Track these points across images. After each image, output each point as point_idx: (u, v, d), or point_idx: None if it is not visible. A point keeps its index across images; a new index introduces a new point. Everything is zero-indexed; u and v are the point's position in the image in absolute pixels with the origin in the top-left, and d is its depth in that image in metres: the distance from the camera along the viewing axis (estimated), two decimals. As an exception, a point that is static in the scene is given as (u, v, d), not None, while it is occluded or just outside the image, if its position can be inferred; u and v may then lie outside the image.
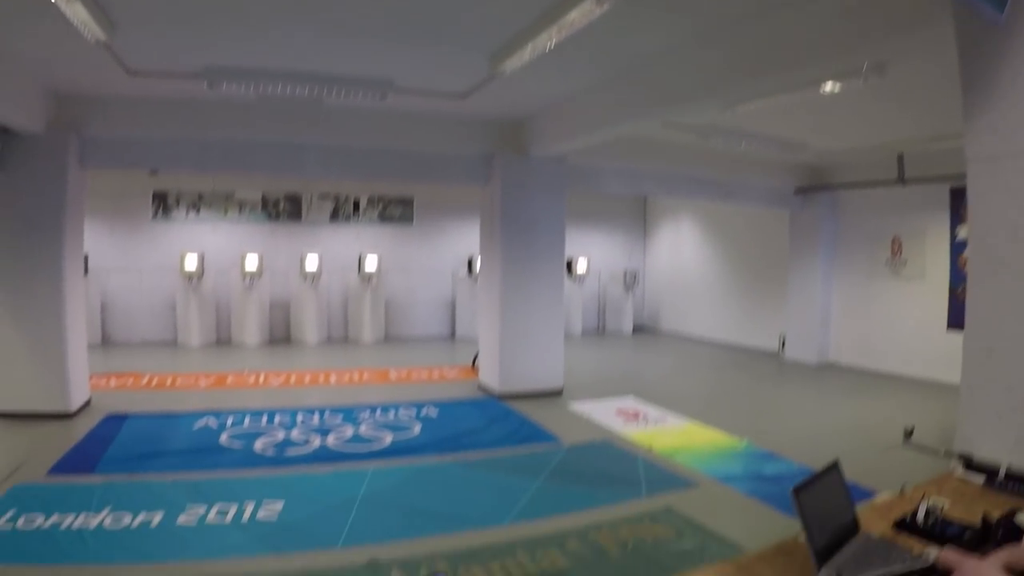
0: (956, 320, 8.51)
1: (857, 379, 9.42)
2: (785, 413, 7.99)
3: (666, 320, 14.09)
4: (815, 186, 10.26)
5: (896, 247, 9.55)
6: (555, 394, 8.34)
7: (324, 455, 6.27)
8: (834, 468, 2.14)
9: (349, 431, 7.05)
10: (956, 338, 8.05)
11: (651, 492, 5.34)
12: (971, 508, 2.27)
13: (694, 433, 7.01)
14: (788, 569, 1.85)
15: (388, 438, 6.83)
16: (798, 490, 1.92)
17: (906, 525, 2.18)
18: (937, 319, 8.93)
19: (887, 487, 2.54)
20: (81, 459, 5.87)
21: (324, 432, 6.97)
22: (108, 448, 6.19)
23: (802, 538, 2.18)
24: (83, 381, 7.40)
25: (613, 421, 7.40)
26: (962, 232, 8.54)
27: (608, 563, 4.16)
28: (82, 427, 6.77)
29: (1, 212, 6.58)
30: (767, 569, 1.60)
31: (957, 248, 8.73)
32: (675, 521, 4.75)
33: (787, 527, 2.20)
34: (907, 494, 2.47)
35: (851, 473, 2.26)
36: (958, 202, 8.54)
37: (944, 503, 2.24)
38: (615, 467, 6.01)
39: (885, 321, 9.79)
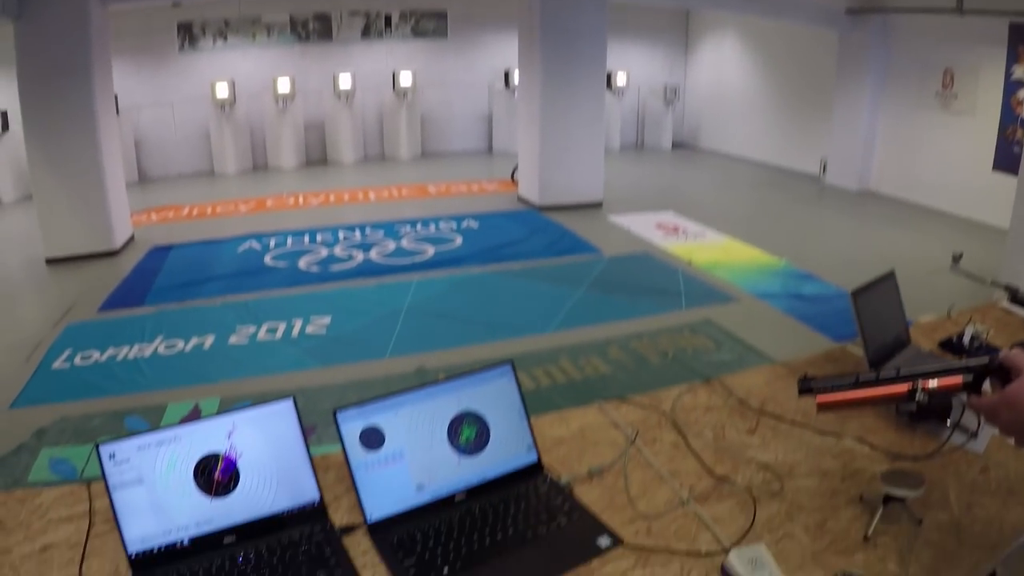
0: (1003, 161, 8.10)
1: (897, 209, 9.20)
2: (824, 236, 7.86)
3: (706, 137, 13.74)
4: (867, 7, 9.60)
5: (948, 80, 8.97)
6: (595, 206, 8.29)
7: (368, 269, 6.34)
8: (890, 277, 2.14)
9: (391, 245, 7.09)
10: (1001, 179, 7.81)
11: (690, 304, 5.37)
12: (1014, 338, 2.27)
13: (733, 249, 6.96)
14: (835, 371, 1.87)
15: (430, 250, 6.87)
16: (856, 293, 1.94)
17: (951, 346, 2.19)
18: (983, 158, 8.51)
19: (931, 312, 2.56)
20: (130, 293, 6.00)
21: (366, 247, 7.01)
22: (155, 279, 6.32)
23: (852, 347, 2.19)
24: (124, 218, 7.50)
25: (653, 234, 7.36)
26: (1018, 71, 8.00)
27: (649, 370, 4.24)
28: (128, 263, 6.93)
29: (28, 61, 6.44)
30: (817, 372, 1.61)
31: (1011, 88, 8.14)
32: (714, 333, 4.80)
33: (825, 347, 2.19)
34: (952, 317, 2.46)
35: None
36: (1016, 39, 7.93)
37: (988, 330, 2.20)
38: (655, 279, 6.03)
39: (930, 154, 9.37)
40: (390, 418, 1.48)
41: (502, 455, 1.58)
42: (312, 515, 1.49)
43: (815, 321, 4.97)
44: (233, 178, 11.24)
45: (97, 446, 1.35)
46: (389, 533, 1.44)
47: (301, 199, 9.41)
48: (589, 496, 1.59)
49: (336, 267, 6.46)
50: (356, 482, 1.43)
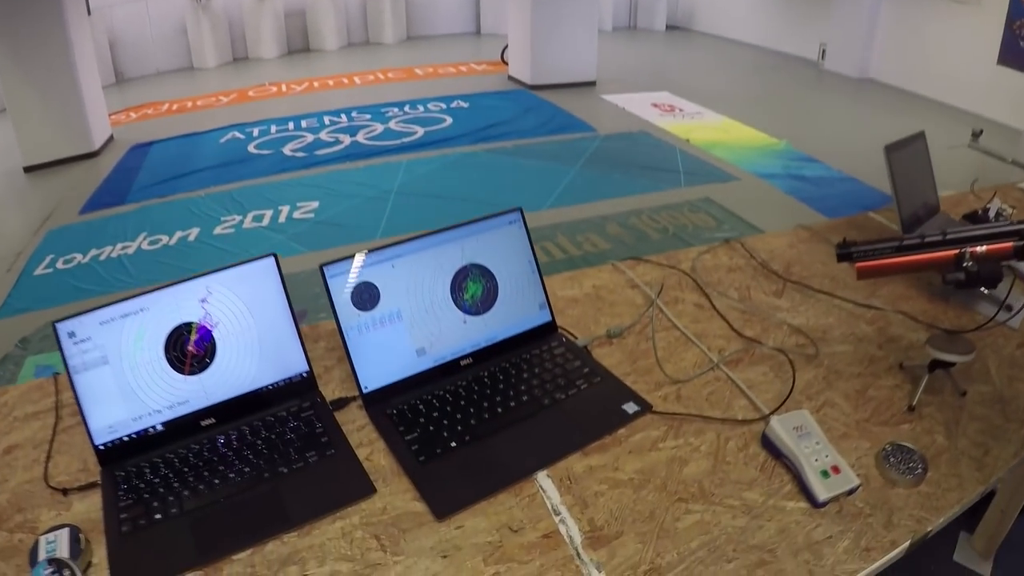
0: (1008, 55, 7.66)
1: (898, 98, 8.83)
2: (824, 121, 7.56)
3: (700, 19, 13.14)
4: None
5: (955, -34, 8.45)
6: (588, 85, 7.97)
7: (355, 152, 6.10)
8: (920, 137, 1.98)
9: (379, 128, 6.83)
10: (1006, 74, 7.41)
11: (690, 183, 5.17)
12: (1035, 217, 2.10)
13: (732, 129, 6.70)
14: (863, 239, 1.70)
15: (419, 131, 6.60)
16: (890, 148, 1.79)
17: (976, 219, 2.04)
18: (988, 50, 8.07)
19: (951, 187, 2.41)
20: (110, 193, 5.76)
21: (353, 131, 6.75)
22: (136, 177, 6.07)
23: (875, 215, 2.05)
24: (102, 119, 7.13)
25: (649, 113, 7.09)
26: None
27: (649, 246, 4.06)
28: (108, 163, 6.61)
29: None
30: (839, 237, 1.44)
31: (1021, -24, 7.66)
32: (714, 211, 4.61)
33: (833, 228, 2.02)
34: (976, 192, 2.34)
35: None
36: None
37: (1010, 208, 2.04)
38: (653, 157, 5.81)
39: (933, 44, 8.89)
40: (385, 273, 1.27)
41: (512, 314, 1.39)
42: (300, 389, 1.31)
43: (818, 204, 4.76)
44: (213, 71, 10.71)
45: (54, 324, 1.15)
46: (387, 404, 1.26)
47: (284, 87, 9.01)
48: (610, 360, 1.41)
49: (322, 152, 6.20)
50: (348, 347, 1.24)
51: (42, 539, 1.00)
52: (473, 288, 1.35)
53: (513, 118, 6.89)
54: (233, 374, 1.25)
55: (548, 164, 5.51)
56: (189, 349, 1.22)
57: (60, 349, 1.15)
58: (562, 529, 1.05)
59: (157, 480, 1.14)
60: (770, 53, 10.96)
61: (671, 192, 4.97)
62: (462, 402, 1.25)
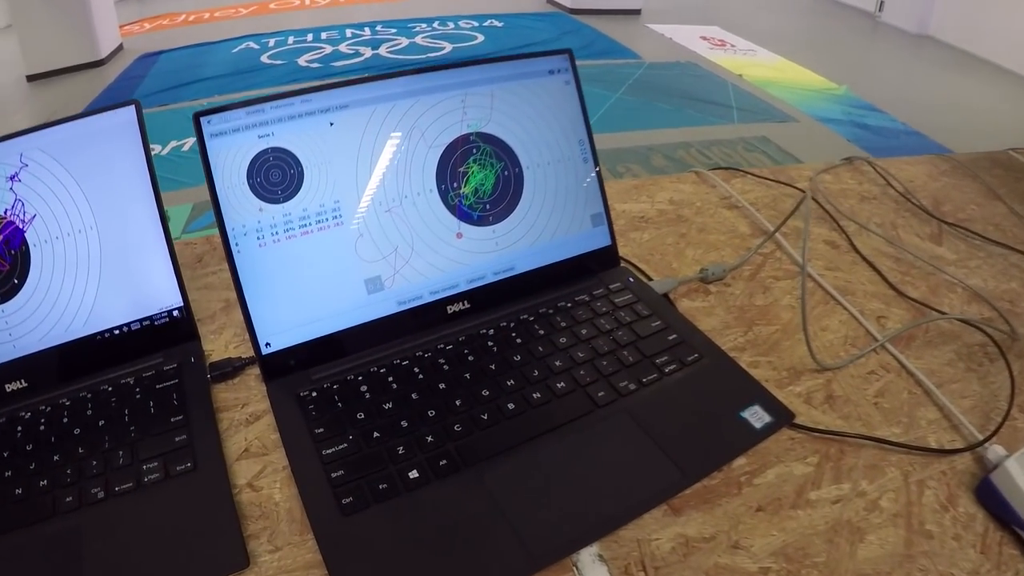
0: None
1: (960, 59, 8.04)
2: (884, 72, 6.83)
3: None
4: None
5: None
6: (632, 13, 7.29)
7: (376, 65, 5.53)
8: None
9: (404, 42, 6.24)
10: None
11: (744, 120, 4.56)
12: None
13: (788, 70, 6.05)
14: (1003, 181, 1.26)
15: (447, 47, 5.98)
16: None
17: None
18: None
19: None
20: (112, 100, 5.26)
21: (375, 44, 6.18)
22: (140, 85, 5.55)
23: (1016, 154, 1.44)
24: (111, 27, 6.58)
25: (698, 46, 6.42)
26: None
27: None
28: (113, 72, 6.08)
29: None
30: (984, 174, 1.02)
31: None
32: (772, 152, 4.03)
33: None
34: None
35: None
36: None
37: None
38: (702, 89, 5.18)
39: (1002, 4, 8.06)
40: (316, 135, 0.68)
41: (545, 228, 0.78)
42: (168, 338, 0.74)
43: (884, 154, 4.09)
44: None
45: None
46: (303, 379, 0.67)
47: (307, 0, 8.37)
48: (708, 321, 0.82)
49: (340, 64, 5.63)
50: (238, 271, 0.64)
51: None
52: (479, 178, 0.72)
53: (550, 40, 6.25)
54: (55, 307, 0.70)
55: (587, 87, 4.81)
56: None
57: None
58: None
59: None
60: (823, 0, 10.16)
61: (723, 128, 4.37)
62: (441, 385, 0.64)
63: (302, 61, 5.78)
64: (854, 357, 0.78)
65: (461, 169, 0.72)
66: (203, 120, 0.63)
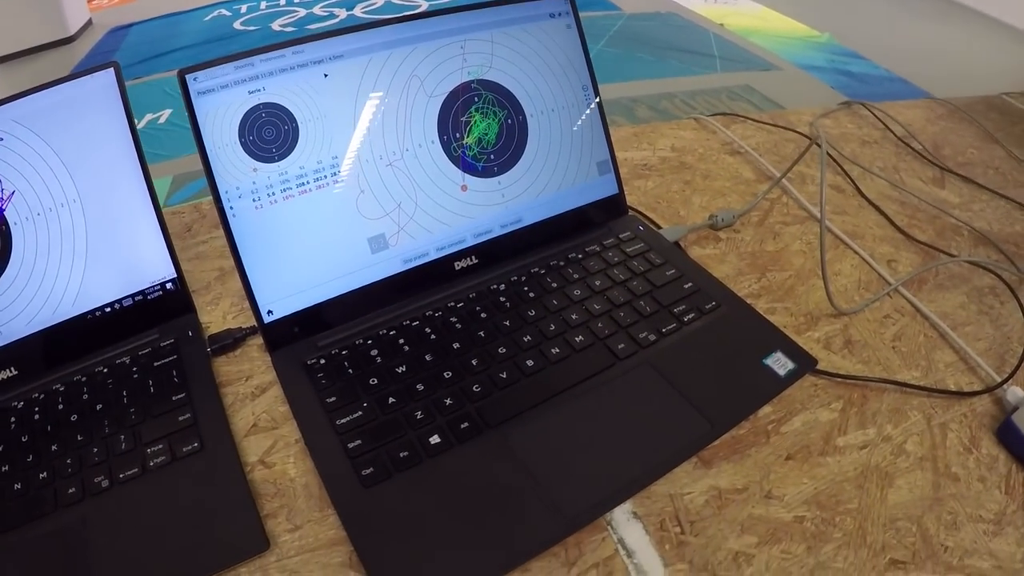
0: None
1: (940, 6, 7.93)
2: (866, 19, 6.76)
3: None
4: None
5: None
6: None
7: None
8: None
9: (379, 2, 6.10)
10: None
11: (727, 69, 4.50)
12: None
13: (769, 17, 5.98)
14: (999, 125, 1.26)
15: (423, 5, 5.84)
16: None
17: None
18: None
19: None
20: None
21: (350, 5, 6.02)
22: (112, 59, 5.37)
23: (1010, 99, 1.44)
24: (80, 3, 6.28)
25: (676, -5, 6.31)
26: None
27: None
28: (83, 48, 5.81)
29: None
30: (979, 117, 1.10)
31: None
32: (756, 100, 3.98)
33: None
34: None
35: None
36: None
37: None
38: (684, 39, 5.12)
39: None
40: (311, 88, 0.64)
41: (551, 178, 0.75)
42: (161, 312, 0.69)
43: (869, 100, 4.05)
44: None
45: None
46: (309, 346, 0.64)
47: (281, -37, 8.12)
48: (721, 269, 0.82)
49: (315, 26, 5.51)
50: (234, 235, 0.61)
51: None
52: (482, 127, 0.69)
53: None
54: (41, 288, 0.65)
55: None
56: None
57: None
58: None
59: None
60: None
61: (707, 77, 4.33)
62: (456, 344, 0.62)
63: (276, 26, 5.64)
64: (868, 301, 0.77)
65: (463, 119, 0.69)
66: (188, 77, 0.59)
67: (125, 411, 0.60)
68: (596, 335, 0.63)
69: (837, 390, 0.65)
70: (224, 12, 6.20)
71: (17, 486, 0.55)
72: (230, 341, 0.67)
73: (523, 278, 0.70)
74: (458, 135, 0.68)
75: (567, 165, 0.75)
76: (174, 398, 0.61)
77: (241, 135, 0.60)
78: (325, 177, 0.63)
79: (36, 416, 0.61)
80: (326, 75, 0.63)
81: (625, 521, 0.52)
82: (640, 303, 0.67)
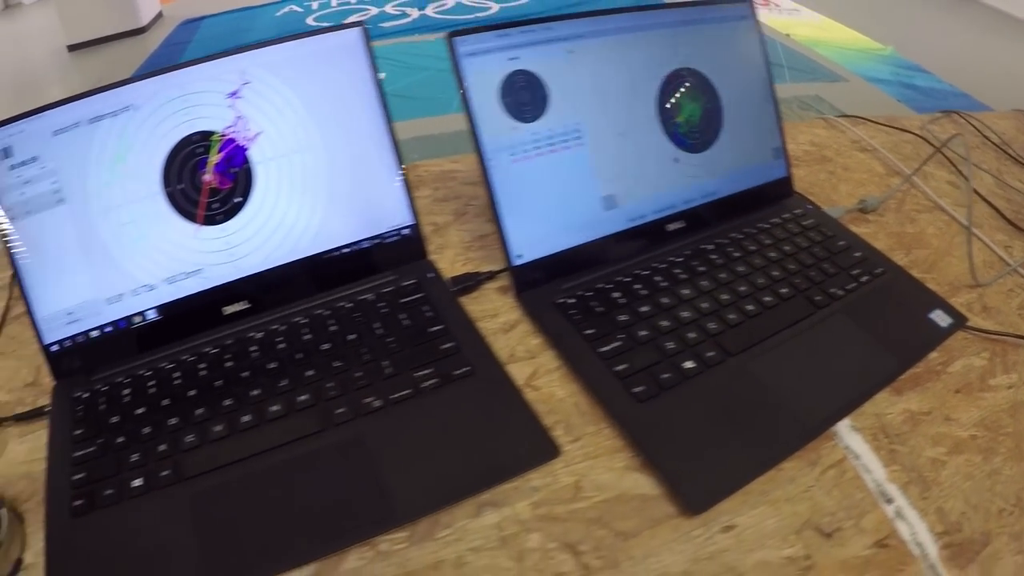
0: None
1: (1001, 21, 7.86)
2: (928, 33, 6.73)
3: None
4: None
5: None
6: None
7: (424, 25, 5.51)
8: None
9: (450, 2, 6.20)
10: None
11: (796, 79, 4.53)
12: None
13: (832, 29, 5.97)
14: None
15: (494, 7, 5.95)
16: None
17: None
18: None
19: None
20: (156, 67, 5.25)
21: (422, 5, 6.14)
22: (184, 52, 5.52)
23: None
24: None
25: (743, 6, 6.31)
26: None
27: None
28: (155, 39, 6.01)
29: None
30: None
31: None
32: (827, 111, 3.98)
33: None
34: None
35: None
36: None
37: None
38: (752, 48, 5.11)
39: None
40: (556, 62, 0.76)
41: (739, 158, 0.87)
42: (397, 256, 0.78)
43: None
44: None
45: None
46: (554, 289, 0.75)
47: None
48: (876, 245, 0.90)
49: (387, 24, 5.61)
50: (493, 184, 0.73)
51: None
52: (690, 108, 0.83)
53: (597, 1, 6.17)
54: (280, 225, 0.73)
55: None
56: (205, 178, 0.71)
57: None
58: (902, 530, 0.56)
59: (141, 413, 0.64)
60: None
61: (777, 87, 4.32)
62: (685, 291, 0.74)
63: (348, 23, 5.78)
64: (996, 277, 0.88)
65: (675, 100, 0.81)
66: (456, 40, 0.71)
67: (380, 341, 0.68)
68: (796, 288, 0.76)
69: (983, 344, 0.76)
70: (296, 8, 6.31)
71: (274, 407, 0.62)
72: (472, 283, 0.78)
73: (726, 243, 0.82)
74: (672, 114, 0.81)
75: (752, 148, 0.87)
76: (430, 329, 0.69)
77: (502, 96, 0.72)
78: (569, 140, 0.76)
79: (281, 344, 0.68)
80: (570, 52, 0.76)
81: (847, 433, 0.64)
82: (824, 266, 0.79)
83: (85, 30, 6.01)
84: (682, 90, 0.82)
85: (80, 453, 0.60)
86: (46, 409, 0.66)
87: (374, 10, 6.06)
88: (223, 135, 0.70)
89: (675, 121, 0.81)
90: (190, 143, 0.70)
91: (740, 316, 0.71)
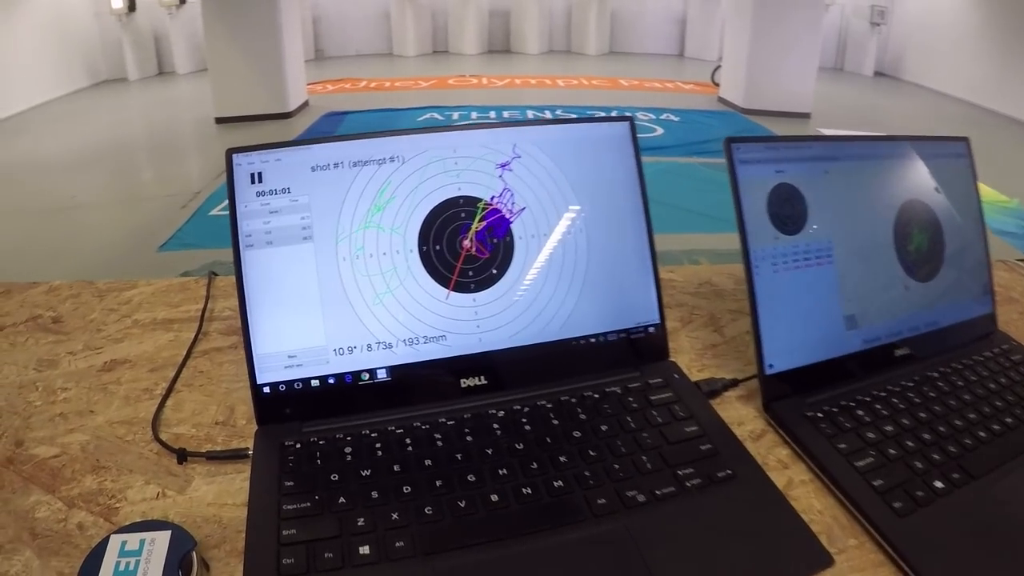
0: None
1: None
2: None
3: (909, 68, 11.91)
4: None
5: None
6: (802, 116, 7.17)
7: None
8: None
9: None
10: None
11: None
12: None
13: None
14: None
15: (659, 131, 6.07)
16: None
17: None
18: None
19: None
20: None
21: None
22: None
23: None
24: (300, 83, 7.04)
25: (869, 152, 6.26)
26: None
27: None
28: (300, 125, 6.49)
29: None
30: None
31: None
32: None
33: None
34: None
35: None
36: None
37: None
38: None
39: None
40: (814, 179, 0.76)
41: (953, 291, 0.85)
42: (643, 351, 0.78)
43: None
44: (412, 60, 10.54)
45: (229, 154, 0.68)
46: (800, 401, 0.73)
47: (485, 80, 8.69)
48: None
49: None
50: (755, 291, 0.71)
51: (115, 539, 0.52)
52: (919, 239, 0.82)
53: (722, 137, 6.22)
54: (532, 305, 0.73)
55: (768, 188, 4.85)
56: (465, 244, 0.71)
57: (231, 201, 0.67)
58: None
59: (367, 476, 0.62)
60: (982, 110, 9.75)
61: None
62: (922, 414, 0.70)
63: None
64: None
65: (907, 229, 0.80)
66: (734, 146, 0.72)
67: (635, 435, 0.66)
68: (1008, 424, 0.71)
69: None
70: (436, 116, 6.64)
71: (527, 490, 0.59)
72: (718, 387, 0.76)
73: (949, 371, 0.79)
74: (905, 241, 0.79)
75: (966, 282, 0.86)
76: (687, 430, 0.67)
77: (768, 206, 0.72)
78: (821, 257, 0.74)
79: (526, 426, 0.66)
80: (826, 172, 0.75)
81: None
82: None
83: (234, 106, 6.45)
84: (914, 220, 0.81)
85: (292, 507, 0.57)
86: (247, 452, 0.65)
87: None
88: (489, 204, 0.72)
89: (907, 249, 0.80)
90: (455, 206, 0.71)
91: (975, 442, 0.67)
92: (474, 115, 6.62)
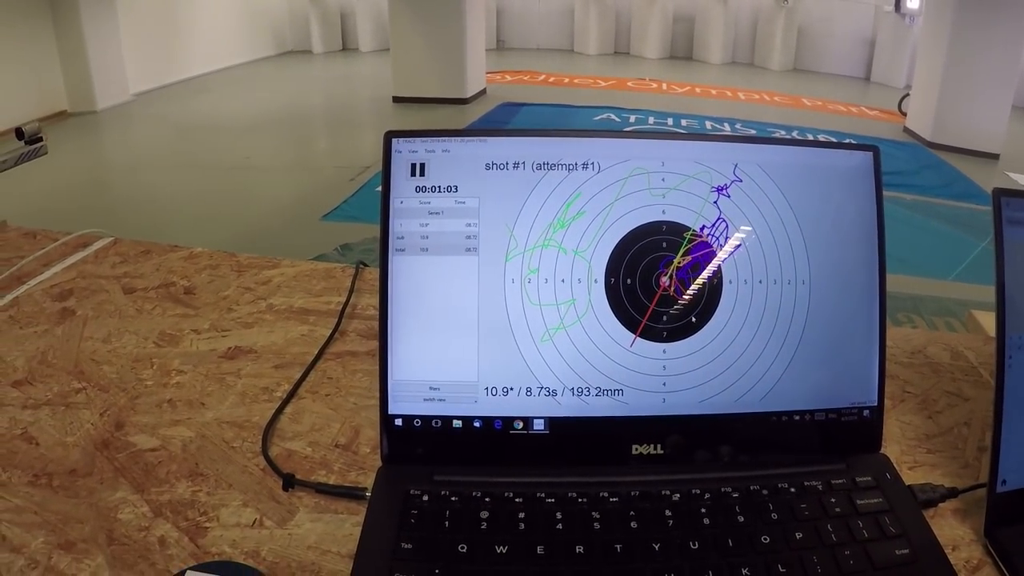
0: None
1: None
2: None
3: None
4: None
5: None
6: (990, 157, 6.49)
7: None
8: None
9: (764, 147, 6.08)
10: None
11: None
12: None
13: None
14: None
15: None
16: None
17: None
18: None
19: None
20: None
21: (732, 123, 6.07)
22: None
23: None
24: (479, 72, 7.20)
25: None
26: None
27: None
28: (475, 112, 6.59)
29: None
30: None
31: None
32: None
33: None
34: None
35: None
36: None
37: None
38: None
39: None
40: None
41: None
42: (851, 439, 0.61)
43: None
44: (592, 58, 10.44)
45: (388, 137, 0.58)
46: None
47: (664, 86, 8.50)
48: None
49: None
50: (1004, 383, 0.55)
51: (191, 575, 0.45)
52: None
53: (909, 171, 5.79)
54: (733, 367, 0.58)
55: (952, 230, 4.46)
56: (663, 281, 0.57)
57: (384, 194, 0.57)
58: None
59: (503, 551, 0.50)
60: None
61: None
62: None
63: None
64: None
65: None
66: (1003, 200, 0.55)
67: (835, 551, 0.52)
68: None
69: None
70: (613, 117, 6.61)
71: None
72: (935, 497, 0.59)
73: None
74: None
75: None
76: (897, 552, 0.51)
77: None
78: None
79: (704, 519, 0.53)
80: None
81: None
82: None
83: (412, 87, 6.70)
84: None
85: (407, 564, 0.48)
86: (364, 493, 0.55)
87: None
88: (698, 234, 0.58)
89: None
90: (656, 232, 0.58)
91: None
92: (651, 120, 6.48)
